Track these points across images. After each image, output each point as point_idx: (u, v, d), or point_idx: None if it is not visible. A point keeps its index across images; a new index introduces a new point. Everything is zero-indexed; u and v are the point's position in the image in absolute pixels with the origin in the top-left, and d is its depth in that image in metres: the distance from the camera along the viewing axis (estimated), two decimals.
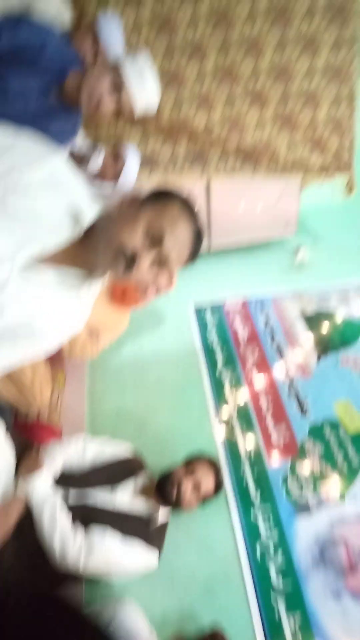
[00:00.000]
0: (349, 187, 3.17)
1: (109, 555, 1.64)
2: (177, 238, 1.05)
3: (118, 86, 1.75)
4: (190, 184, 3.01)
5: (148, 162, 2.81)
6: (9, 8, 2.00)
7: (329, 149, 2.96)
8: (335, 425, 2.36)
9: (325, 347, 2.79)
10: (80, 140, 2.35)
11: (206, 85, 2.64)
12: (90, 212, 1.11)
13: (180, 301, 3.09)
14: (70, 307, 1.11)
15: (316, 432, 2.35)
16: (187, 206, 1.09)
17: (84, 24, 2.25)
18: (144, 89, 1.81)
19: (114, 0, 2.39)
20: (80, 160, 2.32)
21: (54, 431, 2.16)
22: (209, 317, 3.05)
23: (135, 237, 1.01)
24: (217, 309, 3.10)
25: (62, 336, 1.15)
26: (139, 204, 1.07)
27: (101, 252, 1.03)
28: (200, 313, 3.08)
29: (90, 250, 1.06)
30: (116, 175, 2.38)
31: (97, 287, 1.16)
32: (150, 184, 2.97)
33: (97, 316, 2.42)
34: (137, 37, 2.50)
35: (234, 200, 3.20)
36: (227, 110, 2.73)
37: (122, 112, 1.87)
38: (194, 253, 1.12)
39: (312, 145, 2.94)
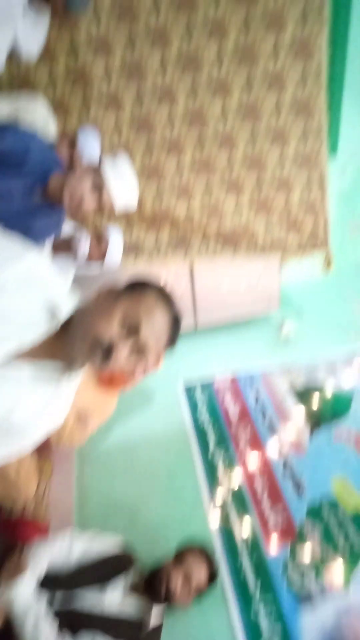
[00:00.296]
0: (327, 263, 3.29)
1: None
2: (154, 325, 1.06)
3: (98, 186, 1.84)
4: (174, 266, 3.11)
5: (133, 249, 2.91)
6: None
7: (304, 228, 3.11)
8: (333, 505, 2.28)
9: (317, 420, 2.76)
10: (66, 226, 2.45)
11: (185, 177, 2.81)
12: (67, 305, 1.12)
13: (169, 379, 3.08)
14: (49, 402, 1.10)
15: (314, 513, 2.27)
16: (163, 294, 1.11)
17: (66, 132, 2.43)
18: (123, 188, 1.92)
19: (96, 104, 2.60)
20: (67, 245, 2.40)
21: (40, 527, 2.06)
22: (199, 395, 3.03)
23: (111, 327, 1.01)
24: (207, 387, 3.09)
25: (43, 431, 1.13)
26: (115, 295, 1.09)
27: (78, 344, 1.03)
28: (190, 391, 3.06)
29: (67, 342, 1.06)
30: (102, 256, 2.46)
31: (77, 379, 1.16)
32: (135, 269, 3.07)
33: (84, 400, 2.40)
34: (119, 137, 2.69)
35: (217, 280, 3.29)
36: (205, 198, 2.89)
37: (103, 210, 1.96)
38: (173, 339, 1.13)
39: (288, 226, 3.09)
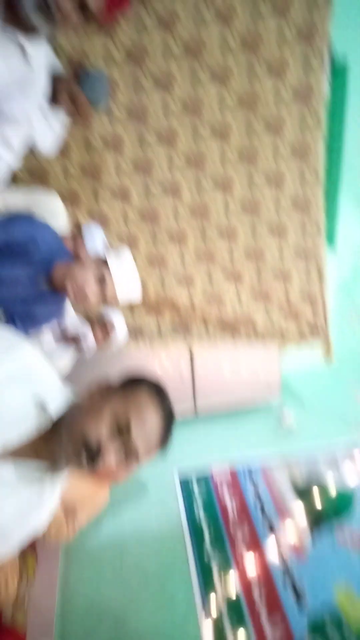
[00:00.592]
0: (327, 351, 3.29)
1: None
2: (145, 427, 1.02)
3: (102, 279, 1.87)
4: (174, 349, 3.11)
5: (134, 333, 2.92)
6: (9, 211, 2.26)
7: (304, 317, 3.14)
8: (337, 619, 2.09)
9: (318, 519, 2.62)
10: (71, 320, 2.46)
11: (187, 266, 2.88)
12: (57, 402, 1.09)
13: (164, 468, 2.96)
14: (32, 504, 1.04)
15: (316, 628, 2.08)
16: (156, 392, 1.08)
17: (74, 222, 2.52)
18: (126, 281, 1.95)
19: (105, 196, 2.72)
20: (74, 340, 2.40)
21: (17, 636, 1.88)
22: (196, 488, 2.89)
23: (100, 428, 0.98)
24: (204, 479, 2.96)
25: (24, 536, 1.06)
26: (107, 393, 1.06)
27: (65, 444, 0.99)
28: (186, 483, 2.93)
29: (54, 441, 1.01)
30: (106, 338, 2.45)
31: (62, 481, 1.10)
32: (136, 351, 3.06)
33: (74, 492, 2.29)
34: (125, 227, 2.79)
35: (217, 364, 3.28)
36: (207, 286, 2.94)
37: (106, 301, 1.99)
38: (165, 440, 1.08)
39: (287, 315, 3.12)
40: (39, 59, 1.46)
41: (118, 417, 1.00)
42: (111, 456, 0.98)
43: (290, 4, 2.48)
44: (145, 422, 1.02)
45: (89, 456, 0.97)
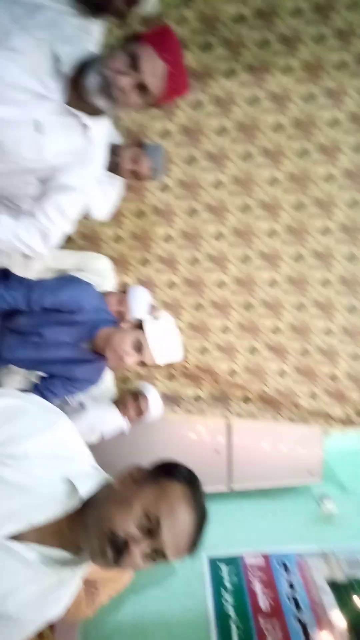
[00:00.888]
0: None
1: None
2: (176, 528, 0.96)
3: (140, 345, 1.88)
4: (211, 420, 3.02)
5: (171, 401, 2.89)
6: (61, 270, 2.34)
7: (351, 401, 3.00)
8: None
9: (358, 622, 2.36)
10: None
11: (230, 337, 2.85)
12: (89, 483, 1.04)
13: None
14: (52, 589, 0.98)
15: None
16: (190, 487, 1.02)
17: (120, 285, 2.56)
18: (164, 348, 1.93)
19: (152, 262, 2.78)
20: None
21: None
22: (225, 574, 2.69)
23: (128, 523, 0.93)
24: (235, 564, 2.75)
25: (39, 623, 0.99)
26: (139, 481, 1.02)
27: (90, 535, 0.94)
28: (215, 566, 2.73)
29: (80, 528, 0.96)
30: (140, 414, 2.42)
31: (83, 572, 1.04)
32: (172, 419, 3.00)
33: (96, 569, 2.18)
34: (170, 293, 2.82)
35: (255, 439, 3.15)
36: (249, 359, 2.89)
37: (145, 365, 1.98)
38: (195, 543, 1.02)
39: (332, 397, 3.00)
40: (100, 134, 1.53)
41: (148, 513, 0.95)
42: (137, 556, 0.93)
43: (344, 89, 2.55)
44: (177, 523, 0.97)
45: (115, 551, 0.92)
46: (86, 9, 1.86)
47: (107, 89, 1.30)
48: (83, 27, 1.97)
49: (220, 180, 2.66)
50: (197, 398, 2.92)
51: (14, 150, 1.39)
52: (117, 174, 2.22)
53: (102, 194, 2.34)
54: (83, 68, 1.34)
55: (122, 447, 2.68)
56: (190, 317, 2.84)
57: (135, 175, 2.20)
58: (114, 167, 2.16)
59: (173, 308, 2.80)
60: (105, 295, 2.33)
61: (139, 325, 1.97)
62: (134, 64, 1.29)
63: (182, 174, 2.65)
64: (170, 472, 1.06)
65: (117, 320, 2.32)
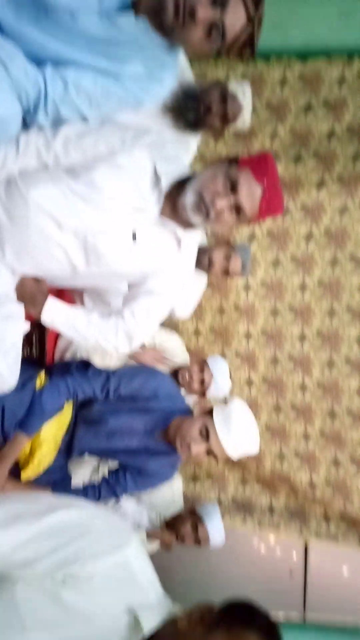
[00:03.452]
0: None
1: None
2: None
3: (207, 432, 1.82)
4: (285, 535, 2.77)
5: (242, 508, 2.73)
6: None
7: None
8: None
9: None
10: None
11: (311, 445, 2.69)
12: (152, 620, 0.93)
13: None
14: None
15: None
16: (268, 637, 0.88)
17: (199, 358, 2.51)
18: (234, 436, 1.84)
19: (232, 358, 2.74)
20: None
21: None
22: None
23: None
24: None
25: None
26: (210, 623, 0.90)
27: None
28: None
29: None
30: (196, 542, 2.22)
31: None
32: (243, 530, 2.78)
33: None
34: (249, 391, 2.75)
35: (336, 565, 2.83)
36: (332, 472, 2.68)
37: (215, 456, 1.90)
38: None
39: None
40: (192, 245, 1.57)
41: None
42: None
43: None
44: None
45: None
46: (186, 126, 2.04)
47: (203, 208, 1.33)
48: (182, 140, 2.16)
49: (306, 283, 2.65)
50: (272, 509, 2.71)
51: (109, 257, 1.45)
52: (203, 271, 2.30)
53: (186, 294, 2.40)
54: (180, 185, 1.40)
55: (181, 553, 2.47)
56: (268, 418, 2.72)
57: (226, 273, 2.30)
58: (200, 265, 2.23)
59: (250, 407, 2.68)
60: (187, 367, 2.35)
61: (209, 412, 1.92)
62: (233, 187, 1.32)
63: (265, 275, 2.68)
64: (246, 619, 0.93)
65: (200, 388, 2.31)
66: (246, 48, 1.30)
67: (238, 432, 1.87)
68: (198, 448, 1.83)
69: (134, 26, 1.27)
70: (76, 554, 0.96)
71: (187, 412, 2.01)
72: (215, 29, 1.23)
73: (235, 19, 1.23)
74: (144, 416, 1.93)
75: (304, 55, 2.52)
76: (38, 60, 1.27)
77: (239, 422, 1.89)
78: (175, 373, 2.31)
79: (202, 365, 2.33)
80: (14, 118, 1.27)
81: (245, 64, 2.52)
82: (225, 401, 2.13)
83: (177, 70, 1.47)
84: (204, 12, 1.20)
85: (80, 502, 1.21)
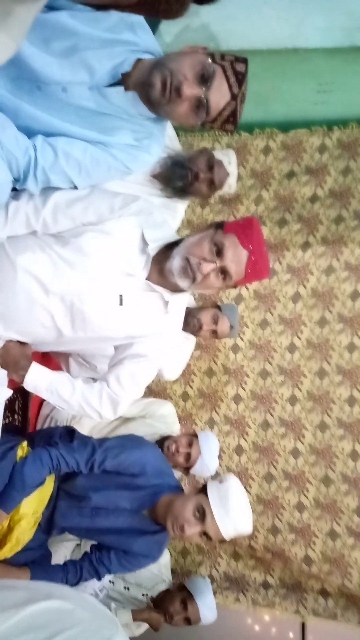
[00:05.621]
0: None
1: None
2: None
3: (203, 512, 1.72)
4: (281, 614, 2.60)
5: (235, 585, 2.58)
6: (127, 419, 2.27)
7: None
8: None
9: None
10: None
11: (305, 516, 2.57)
12: None
13: None
14: None
15: None
16: None
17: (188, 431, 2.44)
18: (230, 517, 1.74)
19: (221, 423, 2.68)
20: None
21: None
22: None
23: None
24: None
25: None
26: None
27: None
28: None
29: None
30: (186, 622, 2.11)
31: None
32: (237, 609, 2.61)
33: None
34: (238, 459, 2.66)
35: None
36: (328, 544, 2.55)
37: (208, 537, 1.78)
38: None
39: None
40: (179, 308, 1.56)
41: None
42: None
43: None
44: None
45: None
46: (175, 193, 2.10)
47: (190, 272, 1.35)
48: (170, 206, 2.21)
49: (295, 345, 2.64)
50: (266, 585, 2.56)
51: (96, 322, 1.43)
52: (192, 333, 2.28)
53: (174, 356, 2.36)
54: (167, 249, 1.42)
55: (170, 633, 2.31)
56: (259, 488, 2.61)
57: (215, 334, 2.28)
58: (188, 327, 2.21)
59: (240, 477, 2.59)
60: (174, 438, 2.26)
61: (202, 490, 1.81)
62: (218, 252, 1.34)
63: (253, 335, 2.67)
64: None
65: (184, 463, 2.22)
66: (229, 123, 1.34)
67: (235, 514, 1.77)
68: (193, 530, 1.72)
69: (123, 99, 1.30)
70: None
71: (177, 488, 1.91)
72: (200, 104, 1.27)
73: (219, 96, 1.28)
74: (130, 493, 1.82)
75: (285, 127, 2.63)
76: (30, 132, 1.29)
77: (236, 503, 1.78)
78: (162, 441, 2.23)
79: (191, 439, 2.24)
80: (3, 186, 1.27)
81: (230, 135, 2.63)
82: (217, 477, 2.03)
83: (164, 140, 1.52)
84: (190, 89, 1.24)
85: (62, 589, 1.11)
